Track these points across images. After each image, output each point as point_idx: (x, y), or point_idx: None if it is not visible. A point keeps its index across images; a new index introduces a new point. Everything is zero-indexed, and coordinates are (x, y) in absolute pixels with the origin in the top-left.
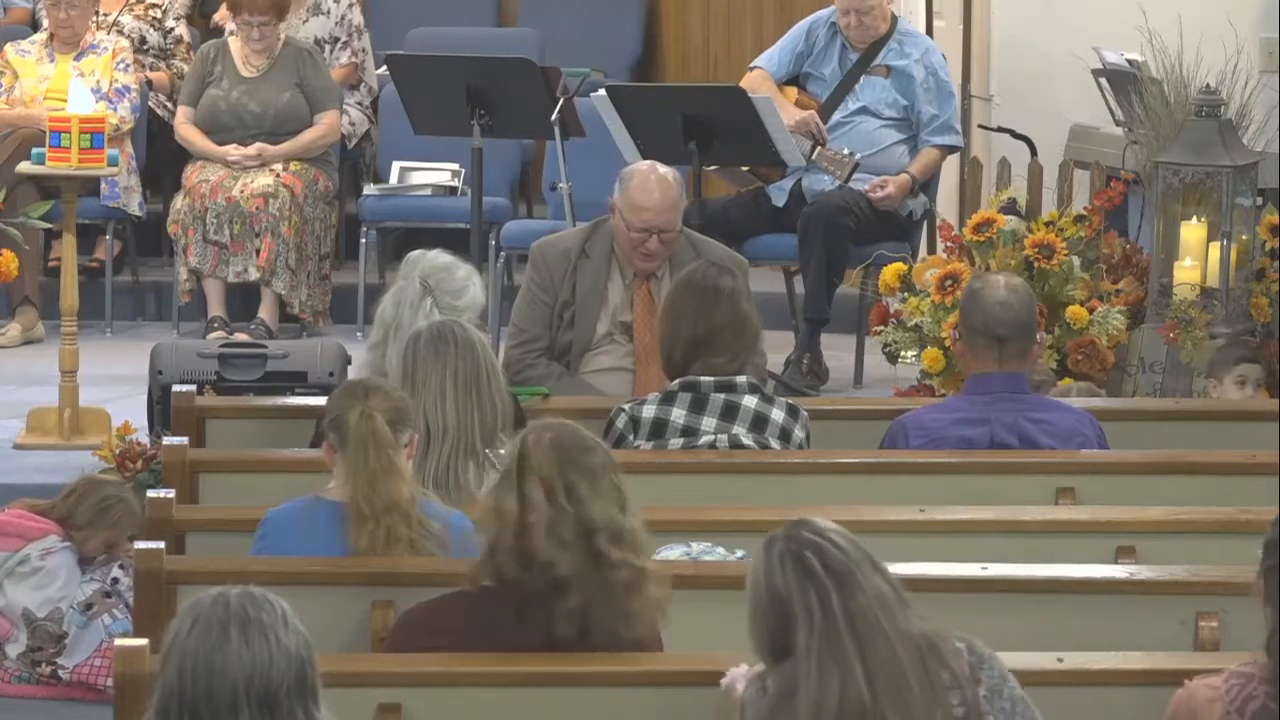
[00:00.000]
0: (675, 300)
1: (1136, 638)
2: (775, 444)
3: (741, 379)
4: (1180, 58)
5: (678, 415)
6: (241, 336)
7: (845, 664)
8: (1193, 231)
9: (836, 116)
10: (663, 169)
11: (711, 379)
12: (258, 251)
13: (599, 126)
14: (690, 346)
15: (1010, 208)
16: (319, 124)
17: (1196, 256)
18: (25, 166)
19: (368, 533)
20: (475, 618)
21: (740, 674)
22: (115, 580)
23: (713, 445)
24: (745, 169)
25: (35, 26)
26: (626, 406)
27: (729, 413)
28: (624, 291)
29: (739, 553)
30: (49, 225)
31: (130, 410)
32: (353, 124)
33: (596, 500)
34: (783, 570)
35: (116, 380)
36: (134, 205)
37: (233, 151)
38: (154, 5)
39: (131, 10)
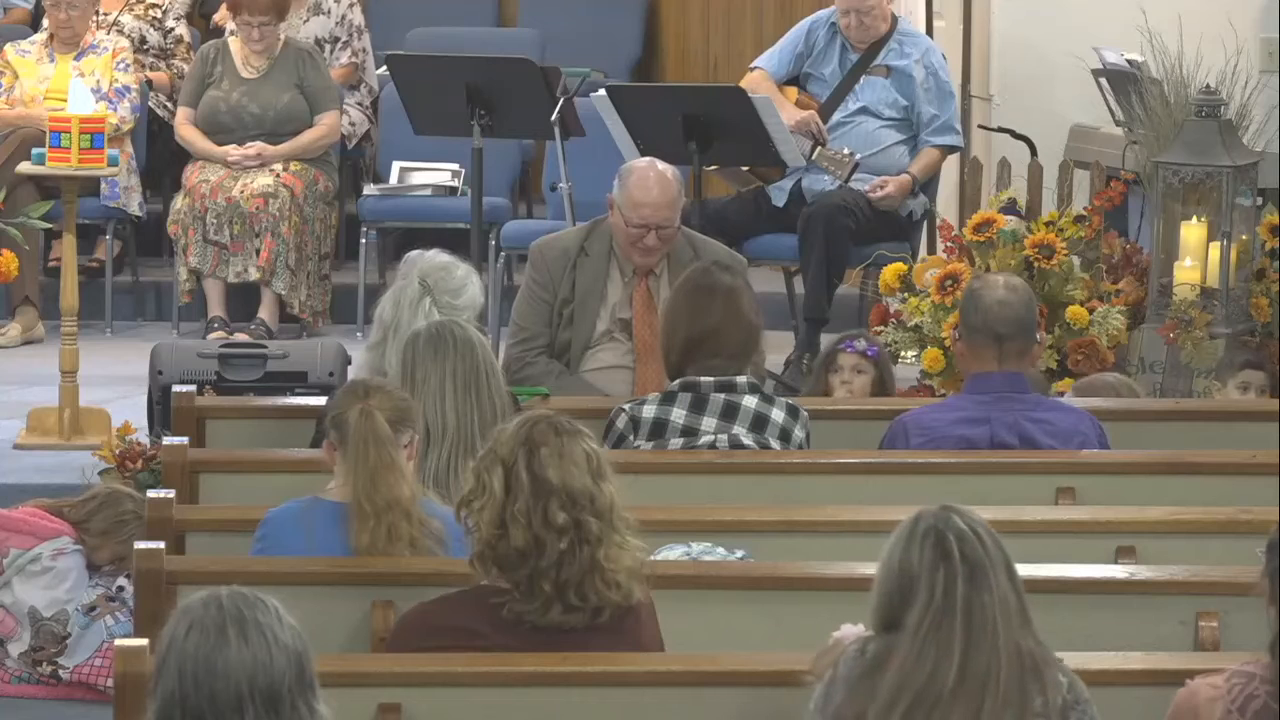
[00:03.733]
0: (675, 300)
1: (1136, 638)
2: (775, 444)
3: (741, 379)
4: (1180, 58)
5: (678, 415)
6: (241, 336)
7: (946, 651)
8: (1193, 231)
9: (836, 117)
10: (662, 165)
11: (711, 379)
12: (258, 251)
13: (599, 126)
14: (687, 347)
15: (1010, 208)
16: (319, 124)
17: (1196, 256)
18: (25, 166)
19: (369, 530)
20: (475, 617)
21: (856, 631)
22: (120, 588)
23: (713, 445)
24: (745, 169)
25: (35, 27)
26: (626, 407)
27: (729, 413)
28: (623, 289)
29: (739, 553)
30: (49, 225)
31: (130, 410)
32: (353, 124)
33: (556, 469)
34: (921, 547)
35: (116, 380)
36: (134, 205)
37: (233, 152)
38: (154, 5)
39: (131, 10)
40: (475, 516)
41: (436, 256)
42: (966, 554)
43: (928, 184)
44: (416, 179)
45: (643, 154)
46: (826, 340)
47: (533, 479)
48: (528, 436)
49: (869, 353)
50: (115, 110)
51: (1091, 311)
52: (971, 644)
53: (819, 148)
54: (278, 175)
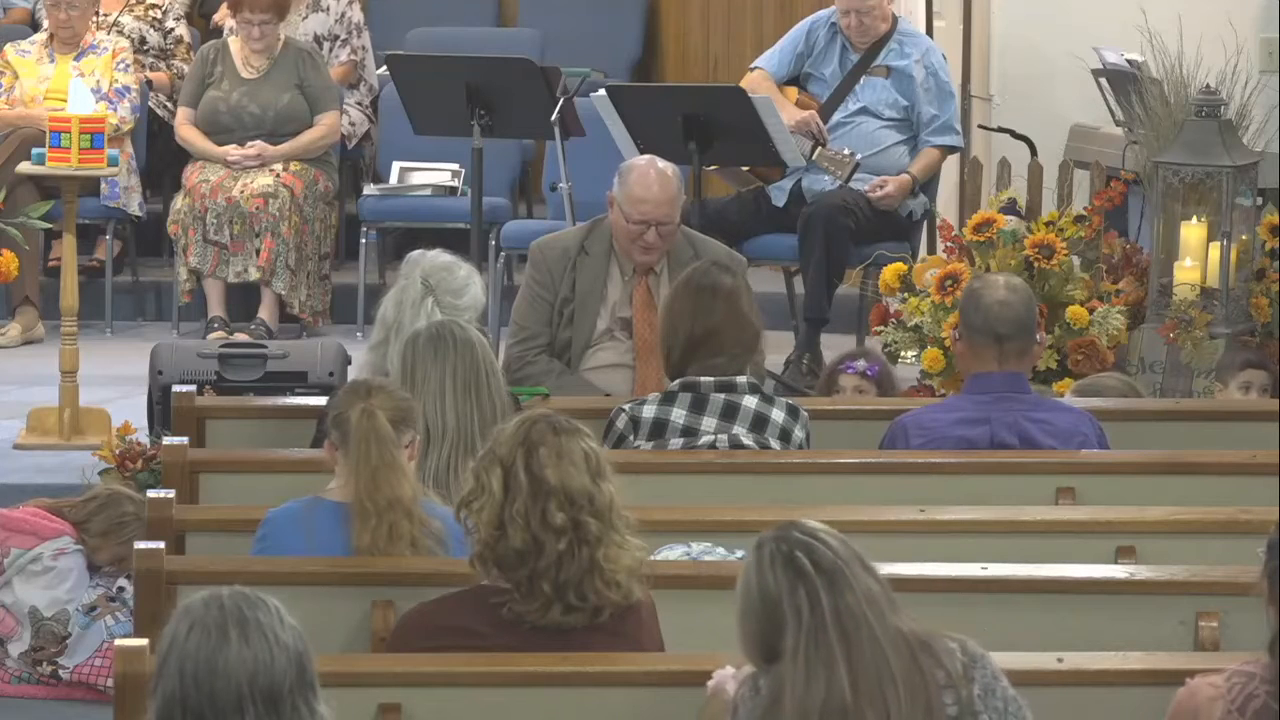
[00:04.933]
0: (675, 300)
1: (1136, 638)
2: (775, 444)
3: (742, 379)
4: (1180, 58)
5: (678, 415)
6: (241, 336)
7: (830, 664)
8: (1193, 231)
9: (837, 117)
10: (662, 163)
11: (711, 379)
12: (258, 251)
13: (599, 126)
14: (689, 347)
15: (1010, 208)
16: (319, 124)
17: (1196, 256)
18: (25, 166)
19: (370, 529)
20: (476, 617)
21: (727, 675)
22: (120, 589)
23: (713, 445)
24: (745, 169)
25: (35, 26)
26: (627, 407)
27: (729, 413)
28: (623, 288)
29: (739, 553)
30: (49, 225)
31: (130, 410)
32: (353, 124)
33: (555, 469)
34: (773, 571)
35: (116, 380)
36: (134, 205)
37: (232, 152)
38: (154, 5)
39: (131, 10)
40: (475, 517)
41: (438, 257)
42: (819, 563)
43: (928, 184)
44: (416, 179)
45: (642, 154)
46: (827, 341)
47: (531, 479)
48: (526, 436)
49: (869, 372)
50: (115, 110)
51: (1091, 311)
52: (852, 649)
53: (819, 148)
54: (278, 175)
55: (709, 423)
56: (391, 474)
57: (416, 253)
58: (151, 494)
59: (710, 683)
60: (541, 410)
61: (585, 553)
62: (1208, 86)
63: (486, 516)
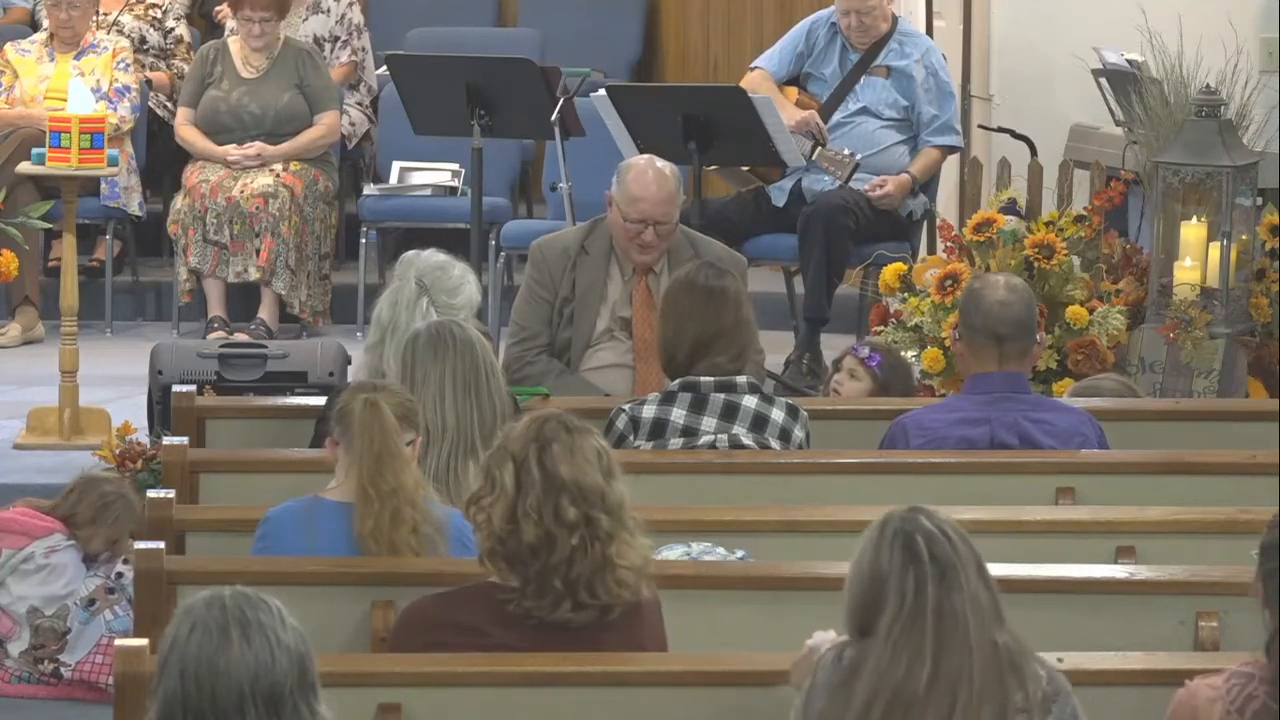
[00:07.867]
0: (679, 300)
1: (1136, 638)
2: (775, 444)
3: (741, 379)
4: (1180, 58)
5: (678, 415)
6: (241, 336)
7: (917, 654)
8: (1193, 231)
9: (837, 117)
10: (660, 163)
11: (711, 379)
12: (258, 251)
13: (599, 126)
14: (696, 347)
15: (1010, 208)
16: (319, 124)
17: (1196, 256)
18: (25, 166)
19: (374, 514)
20: (479, 613)
21: (828, 638)
22: (119, 575)
23: (713, 445)
24: (745, 169)
25: (35, 26)
26: (626, 407)
27: (729, 413)
28: (623, 288)
29: (739, 553)
30: (49, 225)
31: (130, 410)
32: (353, 124)
33: (568, 464)
34: (890, 549)
35: (116, 380)
36: (134, 205)
37: (232, 151)
38: (154, 5)
39: (131, 10)
40: (485, 513)
41: (432, 256)
42: (936, 555)
43: (928, 184)
44: (416, 179)
45: (642, 154)
46: (827, 341)
47: (544, 474)
48: (539, 433)
49: (869, 361)
50: (115, 110)
51: (1091, 311)
52: (943, 645)
53: (819, 148)
54: (278, 175)
55: (709, 423)
56: (394, 461)
57: (410, 253)
58: (151, 494)
59: (809, 641)
60: (552, 410)
61: (598, 549)
62: (1208, 86)
63: (499, 511)
